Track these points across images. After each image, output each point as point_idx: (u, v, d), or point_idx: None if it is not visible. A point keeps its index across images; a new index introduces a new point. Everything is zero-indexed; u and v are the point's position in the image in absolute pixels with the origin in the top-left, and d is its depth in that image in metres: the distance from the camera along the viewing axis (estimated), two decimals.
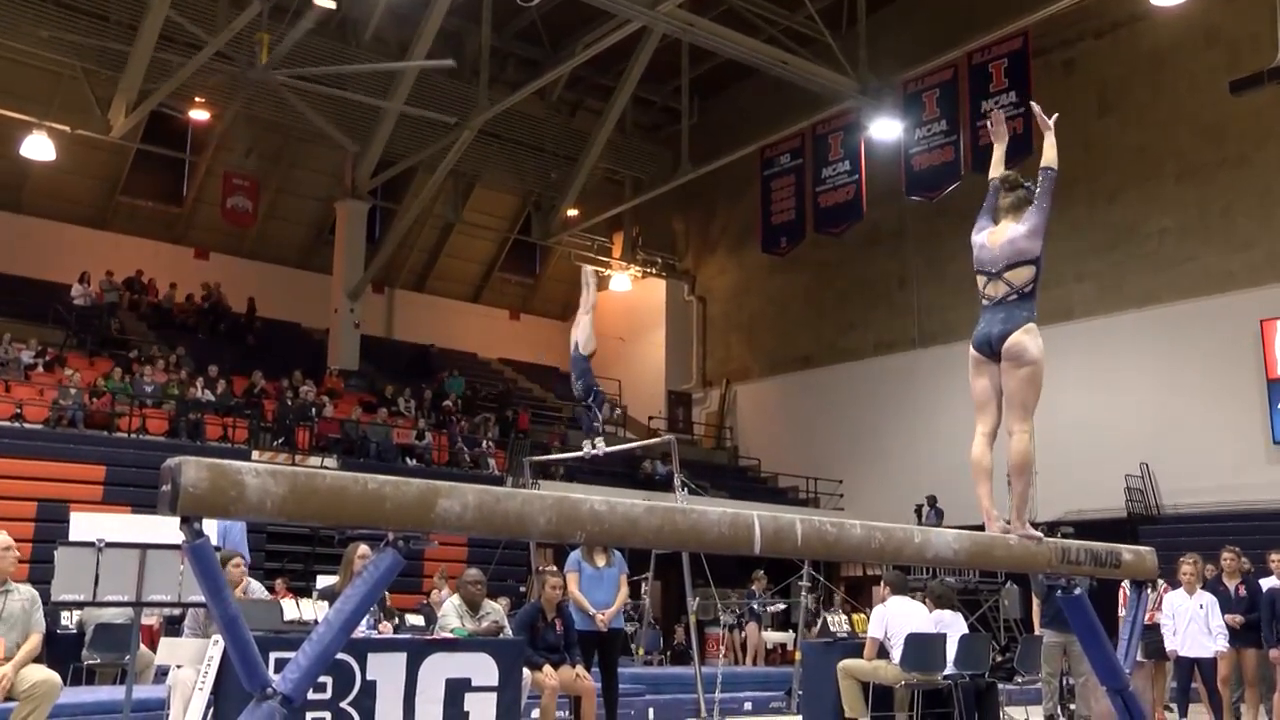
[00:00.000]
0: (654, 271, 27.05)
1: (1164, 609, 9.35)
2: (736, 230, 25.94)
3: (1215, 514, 16.89)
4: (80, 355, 18.59)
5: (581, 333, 9.57)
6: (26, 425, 15.37)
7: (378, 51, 20.82)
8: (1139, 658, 8.96)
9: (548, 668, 7.49)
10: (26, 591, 6.21)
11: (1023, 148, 18.93)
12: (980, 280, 4.83)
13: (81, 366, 17.71)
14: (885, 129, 19.99)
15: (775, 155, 22.69)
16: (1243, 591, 9.36)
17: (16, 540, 12.04)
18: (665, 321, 27.03)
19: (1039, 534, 4.55)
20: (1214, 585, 9.55)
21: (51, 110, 19.91)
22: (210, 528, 8.22)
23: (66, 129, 19.70)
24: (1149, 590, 5.44)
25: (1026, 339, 4.62)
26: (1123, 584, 8.63)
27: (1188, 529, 16.64)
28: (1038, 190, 4.83)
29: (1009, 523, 4.59)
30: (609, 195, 25.73)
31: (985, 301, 4.79)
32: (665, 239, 27.55)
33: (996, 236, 4.84)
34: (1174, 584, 9.51)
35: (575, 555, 8.37)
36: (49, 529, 12.26)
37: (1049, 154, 4.87)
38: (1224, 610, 9.17)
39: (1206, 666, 9.14)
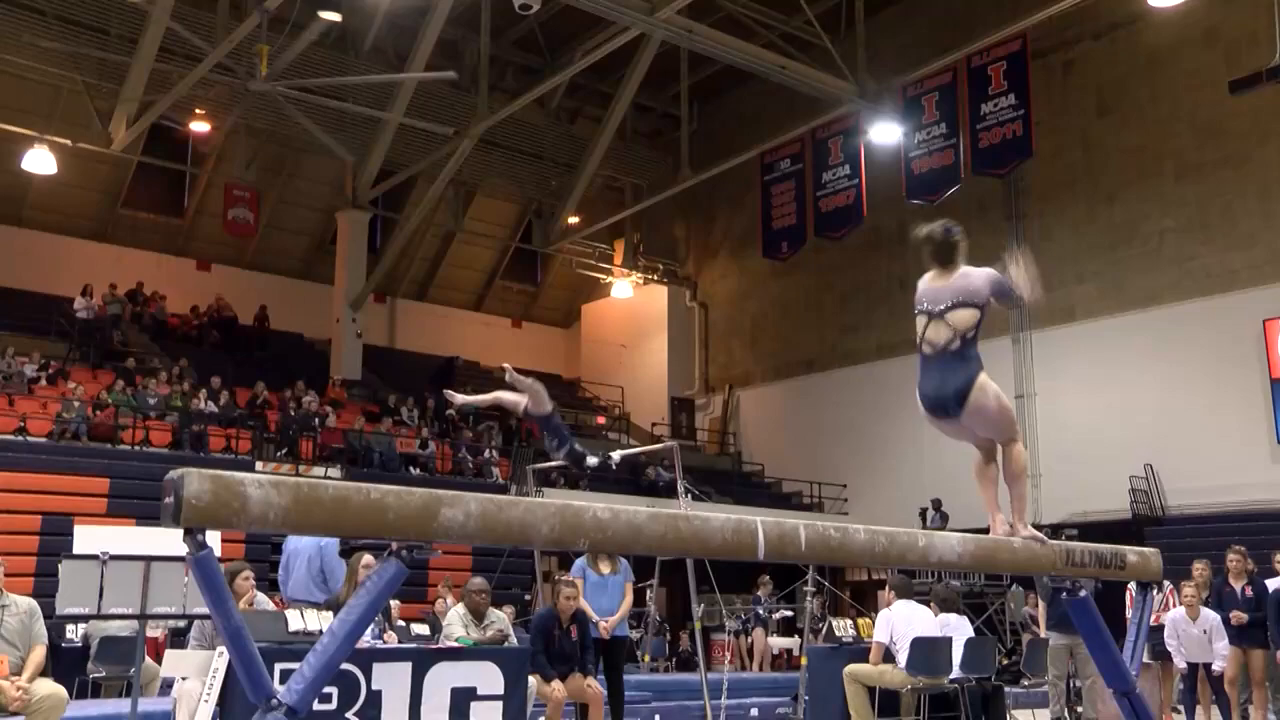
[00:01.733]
0: (655, 278, 27.06)
1: (1167, 628, 9.34)
2: (737, 235, 25.95)
3: (1220, 514, 16.86)
4: (84, 368, 18.61)
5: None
6: (30, 439, 15.38)
7: (377, 61, 20.86)
8: (1145, 659, 8.95)
9: (556, 682, 7.47)
10: (24, 604, 6.14)
11: (1021, 150, 19.06)
12: (919, 323, 4.57)
13: (85, 379, 17.73)
14: (885, 133, 20.01)
15: (775, 160, 22.72)
16: (1249, 592, 9.34)
17: (21, 554, 12.05)
18: (667, 327, 27.02)
19: (1042, 535, 4.54)
20: (1220, 587, 9.53)
21: (53, 124, 19.95)
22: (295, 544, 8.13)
23: (68, 142, 19.73)
24: (1155, 592, 5.43)
25: (985, 398, 4.39)
26: (1129, 585, 8.61)
27: (1193, 530, 16.63)
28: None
29: (1012, 525, 4.60)
30: (610, 202, 25.76)
31: (925, 349, 4.52)
32: (666, 245, 27.56)
33: (941, 278, 4.62)
34: (1179, 584, 9.50)
35: (580, 563, 8.37)
36: (53, 542, 12.25)
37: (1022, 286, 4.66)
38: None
39: (1211, 669, 9.14)
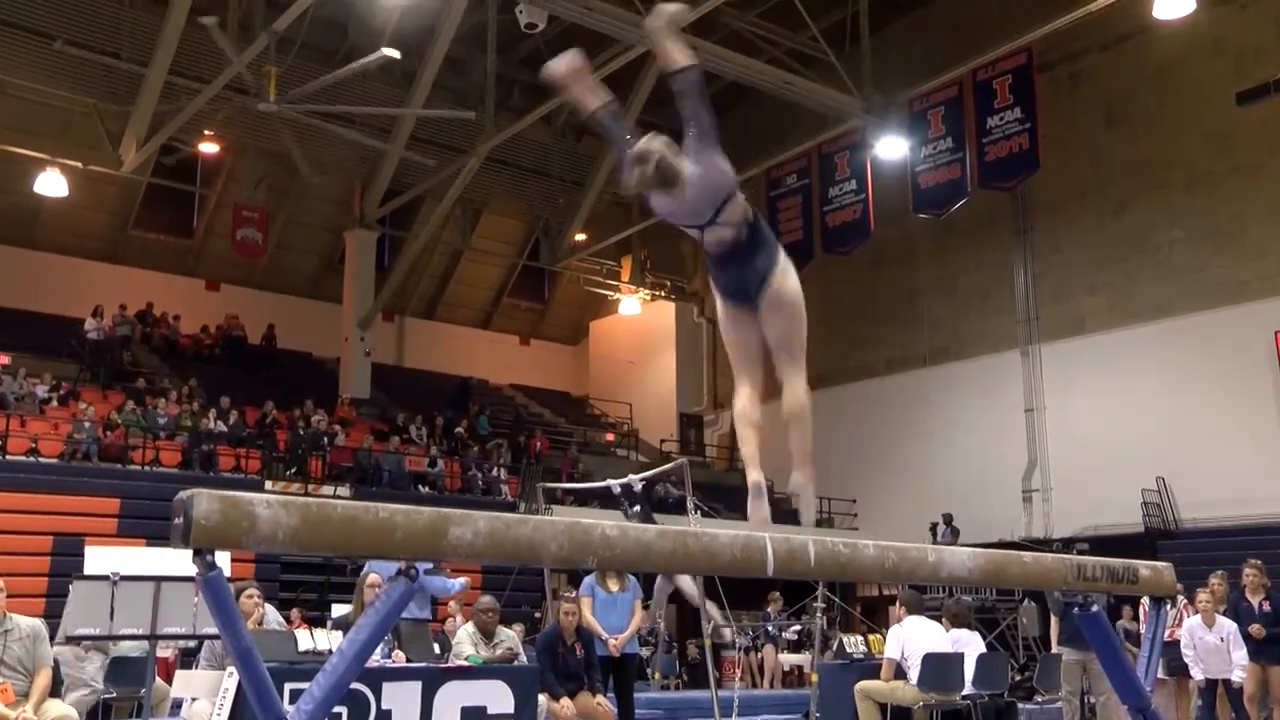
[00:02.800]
0: (663, 294, 27.08)
1: (1183, 637, 9.24)
2: None
3: (1234, 527, 16.76)
4: (94, 389, 18.68)
5: None
6: (42, 459, 15.43)
7: (384, 81, 20.94)
8: (1161, 675, 8.88)
9: (565, 700, 7.45)
10: (27, 626, 5.99)
11: (1028, 163, 19.07)
12: (694, 235, 3.93)
13: (95, 400, 17.79)
14: (891, 147, 20.02)
15: (782, 176, 22.76)
16: (1267, 607, 9.20)
17: (33, 575, 12.05)
18: (675, 343, 27.03)
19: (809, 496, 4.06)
20: (1236, 601, 9.43)
21: (64, 147, 20.07)
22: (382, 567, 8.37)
23: (79, 165, 19.87)
24: (1168, 606, 5.39)
25: (786, 287, 3.96)
26: (1142, 600, 8.55)
27: (1207, 543, 16.53)
28: (685, 106, 3.85)
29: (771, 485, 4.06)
30: (617, 219, 25.80)
31: (714, 250, 3.91)
32: (674, 261, 27.57)
33: (681, 193, 3.79)
34: (1193, 594, 9.41)
35: (589, 580, 8.35)
36: (65, 563, 12.29)
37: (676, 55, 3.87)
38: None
39: (1230, 684, 9.03)
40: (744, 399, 4.10)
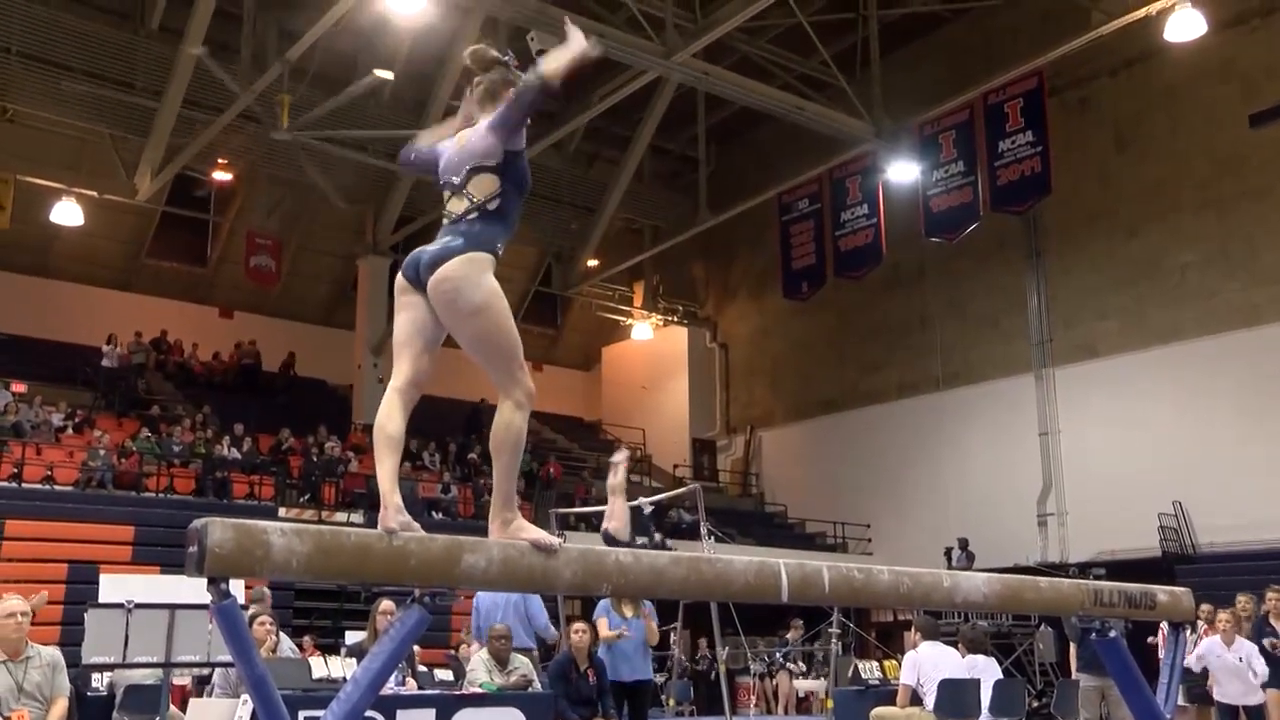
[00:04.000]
0: (675, 319, 27.10)
1: (1196, 652, 9.12)
2: (756, 276, 25.99)
3: (1252, 552, 16.58)
4: (109, 416, 18.75)
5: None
6: (57, 487, 15.48)
7: (396, 108, 21.08)
8: (1181, 702, 8.79)
9: None
10: (48, 656, 5.98)
11: (1040, 187, 19.06)
12: (445, 197, 3.60)
13: (110, 428, 17.85)
14: (902, 171, 20.04)
15: (793, 200, 22.79)
16: None
17: (49, 603, 12.00)
18: (688, 369, 27.02)
19: (546, 538, 3.28)
20: (1259, 625, 9.33)
21: (79, 176, 20.25)
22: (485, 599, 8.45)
23: (94, 194, 20.03)
24: (1188, 631, 5.34)
25: (462, 272, 3.37)
26: (1161, 626, 8.47)
27: (1224, 568, 16.39)
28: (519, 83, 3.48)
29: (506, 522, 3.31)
30: (629, 244, 25.85)
31: (444, 221, 3.58)
32: (686, 286, 27.63)
33: (462, 138, 3.56)
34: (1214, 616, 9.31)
35: (604, 605, 8.34)
36: (80, 590, 12.28)
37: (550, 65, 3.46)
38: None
39: (1253, 713, 8.91)
40: (388, 402, 3.54)
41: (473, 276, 3.39)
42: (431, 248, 3.47)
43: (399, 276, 3.53)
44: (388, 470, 3.31)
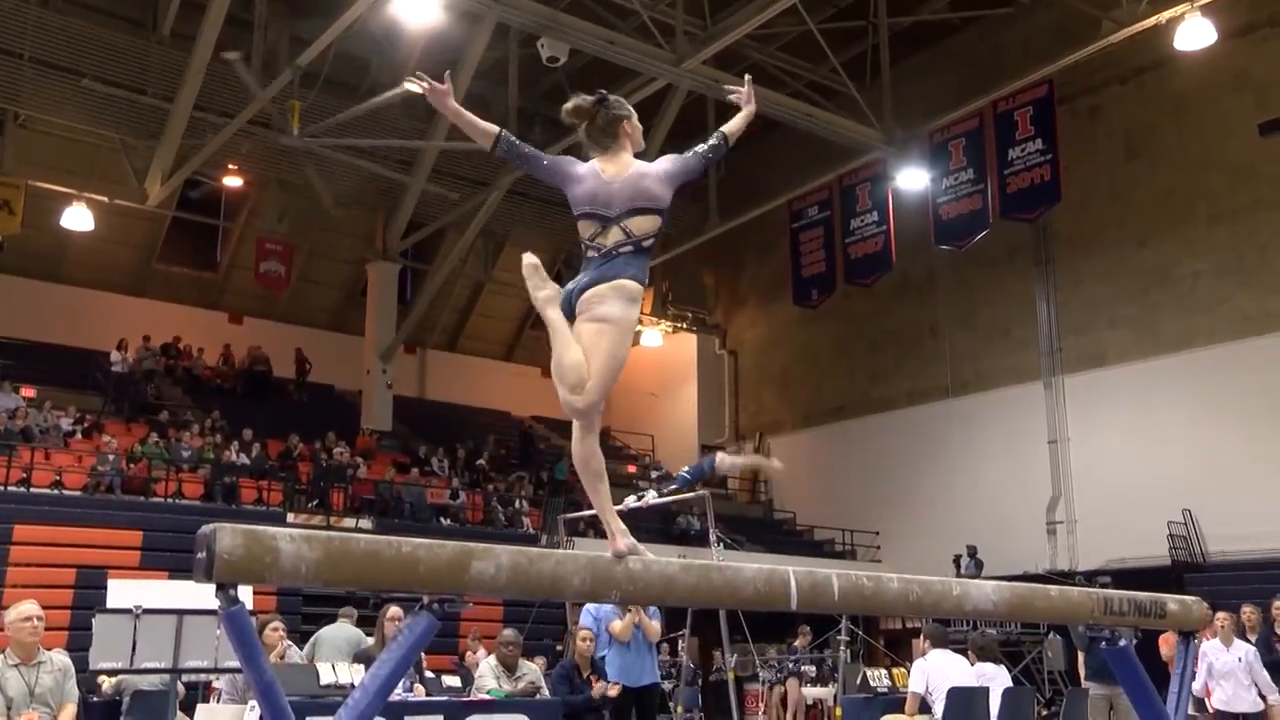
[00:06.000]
0: (685, 326, 27.10)
1: (1200, 660, 9.04)
2: (766, 283, 25.98)
3: (1263, 561, 16.52)
4: (118, 421, 18.79)
5: None
6: (66, 492, 15.51)
7: (406, 114, 21.12)
8: (1191, 711, 8.73)
9: None
10: (59, 661, 6.04)
11: (1050, 195, 19.02)
12: (587, 228, 3.78)
13: (119, 433, 17.90)
14: (912, 179, 20.02)
15: (803, 207, 22.78)
16: None
17: (57, 607, 12.05)
18: (697, 376, 27.02)
19: (639, 547, 3.52)
20: (1267, 636, 9.29)
21: (90, 182, 20.31)
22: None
23: (105, 200, 20.10)
24: (1196, 641, 5.30)
25: (610, 302, 3.60)
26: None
27: (1235, 576, 16.31)
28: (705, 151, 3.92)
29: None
30: None
31: (591, 253, 3.74)
32: (695, 293, 27.61)
33: (613, 168, 3.79)
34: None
35: (610, 610, 8.32)
36: (88, 596, 12.31)
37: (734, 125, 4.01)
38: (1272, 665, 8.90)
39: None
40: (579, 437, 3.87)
41: (622, 298, 3.62)
42: (583, 279, 3.68)
43: (559, 310, 3.68)
44: (604, 498, 3.67)
